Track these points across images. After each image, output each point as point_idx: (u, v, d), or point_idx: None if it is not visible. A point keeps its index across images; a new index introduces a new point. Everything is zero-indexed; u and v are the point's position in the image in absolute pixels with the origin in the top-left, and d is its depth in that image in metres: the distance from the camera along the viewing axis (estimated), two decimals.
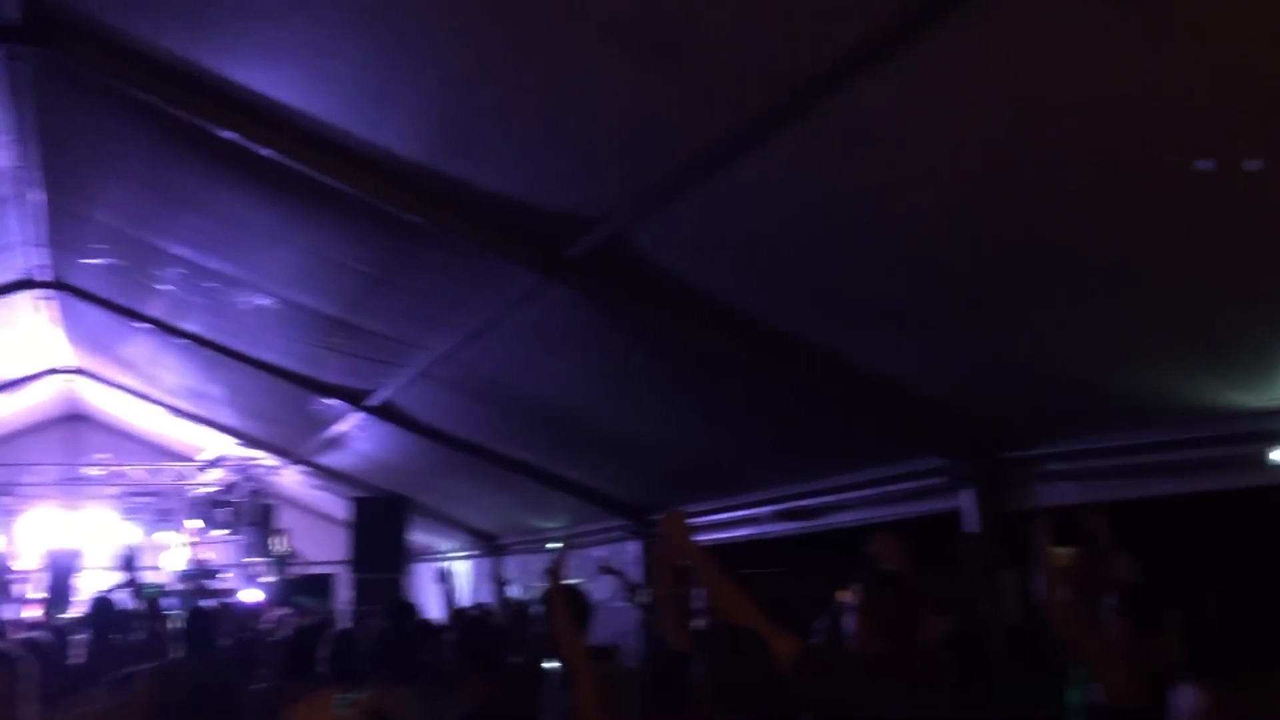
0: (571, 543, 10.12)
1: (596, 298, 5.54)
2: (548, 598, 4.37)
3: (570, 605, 3.73)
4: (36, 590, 10.81)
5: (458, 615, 8.58)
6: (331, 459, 12.16)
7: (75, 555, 11.64)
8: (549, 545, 10.62)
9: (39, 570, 11.53)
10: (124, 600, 6.86)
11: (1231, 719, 1.22)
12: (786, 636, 3.01)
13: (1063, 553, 4.46)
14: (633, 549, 9.21)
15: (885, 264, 4.34)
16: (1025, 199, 3.62)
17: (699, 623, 4.38)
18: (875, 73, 3.21)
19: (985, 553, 5.48)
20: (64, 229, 7.69)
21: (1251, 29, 2.64)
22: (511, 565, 12.14)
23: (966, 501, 5.75)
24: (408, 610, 7.08)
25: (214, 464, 14.20)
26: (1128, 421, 4.90)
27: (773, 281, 4.84)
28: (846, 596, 8.56)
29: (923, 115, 3.36)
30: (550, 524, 10.76)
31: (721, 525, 7.70)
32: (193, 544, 14.35)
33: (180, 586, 12.90)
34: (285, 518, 14.83)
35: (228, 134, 5.07)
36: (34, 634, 5.09)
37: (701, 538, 4.23)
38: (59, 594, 9.95)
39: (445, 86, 4.25)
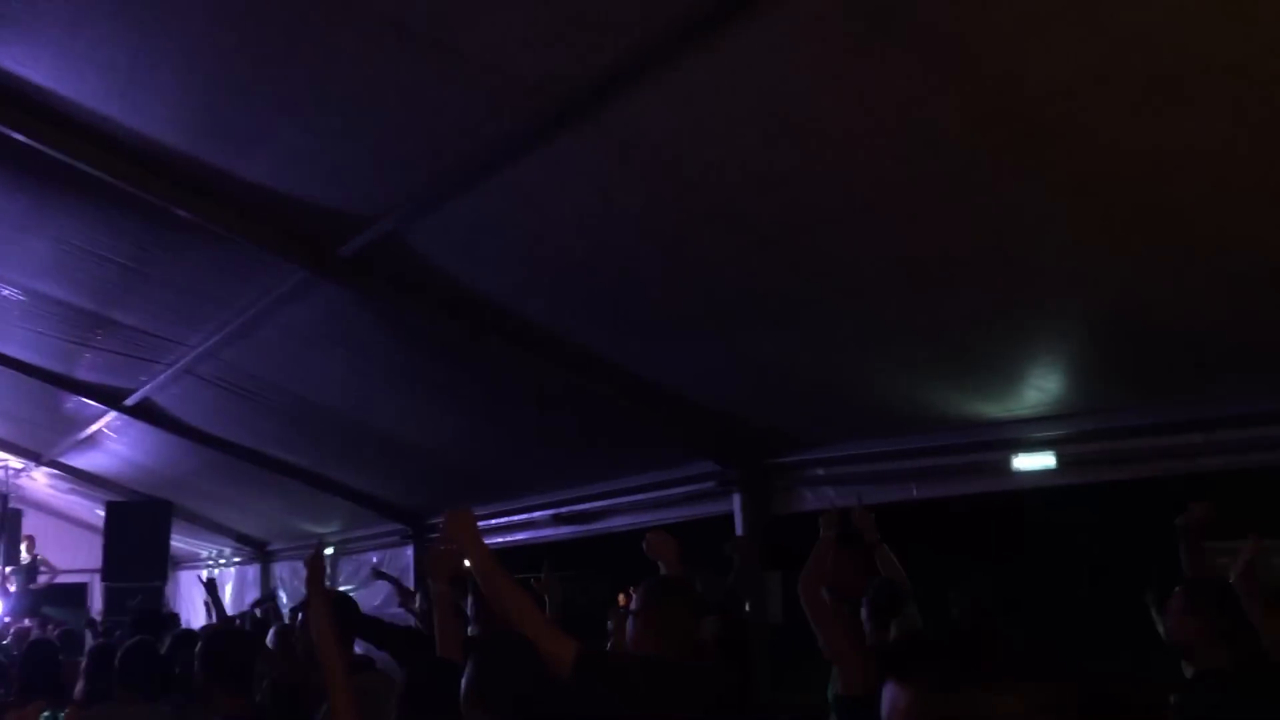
0: (345, 547, 9.89)
1: (369, 297, 5.41)
2: (305, 603, 4.22)
3: (332, 611, 3.60)
4: None
5: (224, 625, 8.23)
6: (86, 461, 11.42)
7: None
8: (327, 551, 10.32)
9: None
10: None
11: (930, 716, 1.28)
12: (566, 639, 2.98)
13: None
14: (408, 554, 9.05)
15: (656, 270, 4.41)
16: (790, 212, 3.75)
17: (470, 630, 4.34)
18: (648, 82, 3.25)
19: (752, 554, 5.65)
20: None
21: (995, 59, 2.80)
22: (282, 571, 11.72)
23: (737, 505, 5.92)
24: (161, 621, 6.73)
25: None
26: (884, 429, 5.16)
27: (547, 285, 4.85)
28: (622, 600, 8.70)
29: (692, 125, 3.43)
30: (323, 529, 10.45)
31: (499, 529, 7.66)
32: None
33: None
34: (33, 523, 13.87)
35: None
36: None
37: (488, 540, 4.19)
38: None
39: (206, 72, 4.04)
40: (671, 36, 3.02)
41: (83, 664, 4.92)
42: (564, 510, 7.26)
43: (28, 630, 11.61)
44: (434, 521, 8.70)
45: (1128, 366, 4.14)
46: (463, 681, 2.56)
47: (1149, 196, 3.12)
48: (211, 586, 8.33)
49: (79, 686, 4.54)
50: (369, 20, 3.42)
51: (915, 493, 5.26)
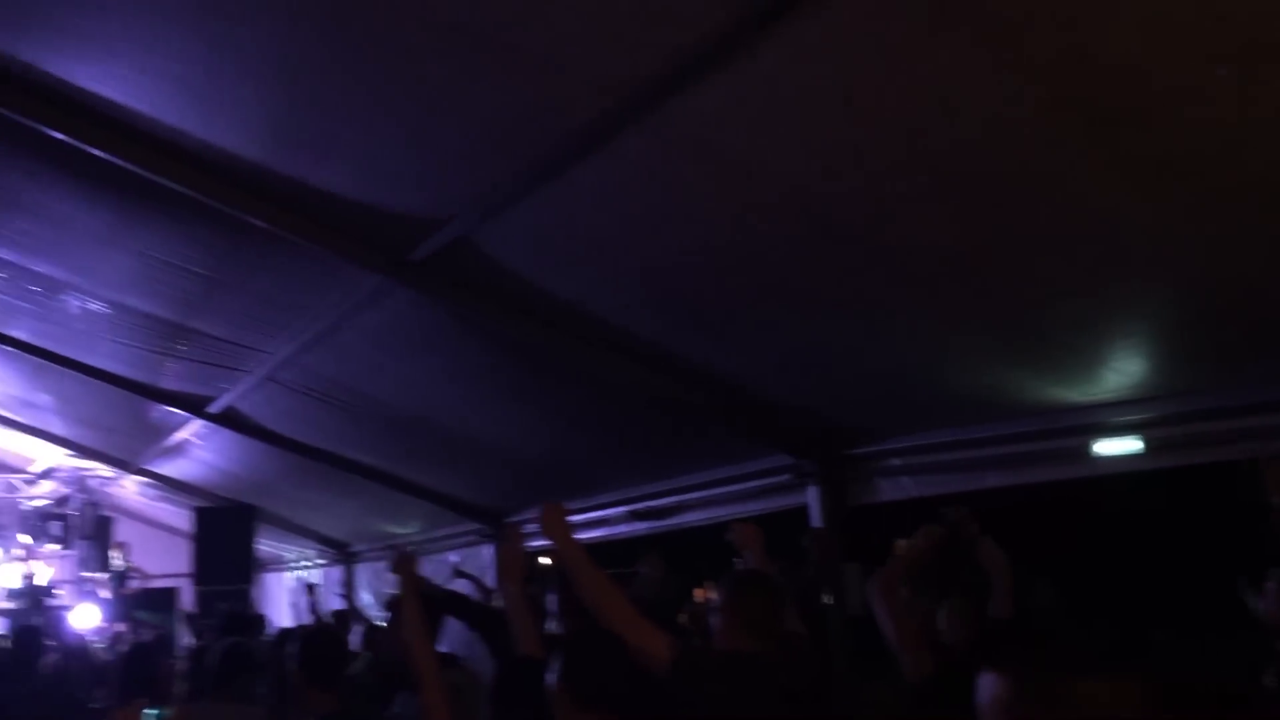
0: (425, 547, 10.01)
1: (442, 300, 5.48)
2: (397, 602, 4.29)
3: (421, 609, 3.65)
4: None
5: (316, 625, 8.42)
6: (172, 468, 11.72)
7: None
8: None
9: None
10: None
11: (1029, 705, 1.28)
12: (660, 634, 2.99)
13: (902, 543, 4.62)
14: (487, 553, 9.14)
15: (727, 265, 4.41)
16: (857, 201, 3.72)
17: (550, 626, 4.38)
18: (713, 76, 3.25)
19: (830, 546, 5.62)
20: None
21: (1068, 37, 2.76)
22: (364, 572, 11.91)
23: (813, 497, 5.90)
24: (249, 623, 6.90)
25: (45, 476, 13.56)
26: (960, 418, 5.10)
27: (617, 283, 4.87)
28: (699, 595, 8.70)
29: (757, 117, 3.42)
30: (403, 530, 10.60)
31: (574, 526, 7.69)
32: (24, 560, 13.67)
33: (12, 605, 12.29)
34: (124, 530, 14.25)
35: (53, 133, 4.83)
36: None
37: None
38: None
39: (281, 84, 4.13)
40: (735, 29, 3.02)
41: (179, 665, 5.08)
42: (639, 506, 7.28)
43: (122, 634, 11.97)
44: (512, 520, 8.78)
45: (1211, 347, 4.05)
46: (552, 677, 2.58)
47: (1230, 173, 3.05)
48: (312, 590, 8.64)
49: (177, 687, 4.68)
50: (435, 25, 3.46)
51: (993, 481, 5.20)
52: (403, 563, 3.89)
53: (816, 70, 3.14)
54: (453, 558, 9.58)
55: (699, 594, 8.40)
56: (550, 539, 3.40)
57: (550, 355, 5.77)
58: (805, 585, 5.02)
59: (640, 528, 7.47)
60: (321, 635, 4.23)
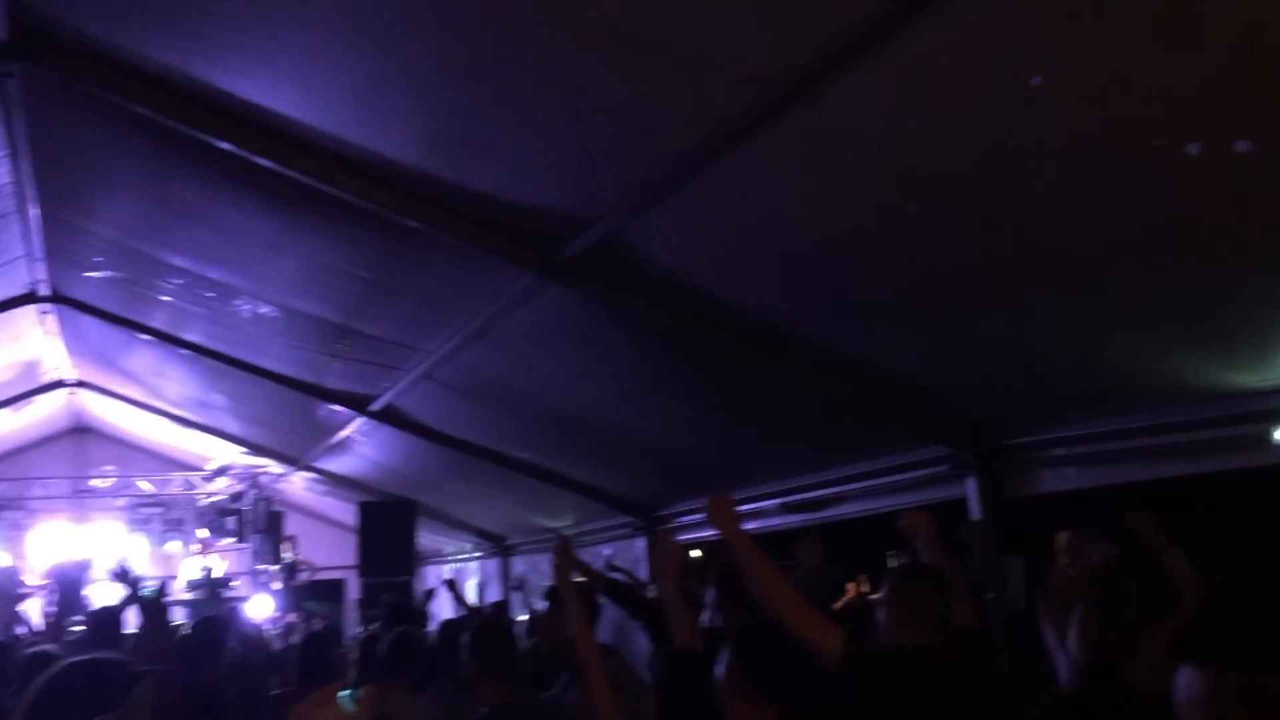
0: (578, 540, 10.15)
1: (594, 297, 5.54)
2: (556, 592, 4.35)
3: (582, 596, 3.71)
4: (46, 604, 10.82)
5: (470, 616, 8.64)
6: (337, 464, 12.18)
7: (83, 568, 11.68)
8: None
9: (47, 584, 11.56)
10: (127, 611, 6.86)
11: (1231, 702, 1.22)
12: (833, 626, 2.97)
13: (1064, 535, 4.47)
14: (639, 546, 9.23)
15: (878, 255, 4.34)
16: (1017, 186, 3.62)
17: (706, 619, 4.39)
18: (862, 64, 3.20)
19: (990, 539, 5.48)
20: (61, 242, 7.70)
21: (1245, 13, 2.63)
22: (520, 565, 12.15)
23: (971, 489, 5.76)
24: (414, 614, 7.12)
25: (220, 473, 14.23)
26: (1126, 406, 4.90)
27: (768, 275, 4.85)
28: (851, 589, 8.56)
29: (910, 106, 3.36)
30: (557, 523, 10.78)
31: (741, 517, 7.68)
32: (202, 553, 14.41)
33: (191, 596, 12.94)
34: (293, 524, 14.86)
35: (223, 144, 5.08)
36: (45, 648, 5.10)
37: (707, 533, 4.24)
38: (67, 608, 9.97)
39: (436, 90, 4.25)
40: (887, 12, 2.98)
41: (349, 654, 5.28)
42: (792, 499, 7.23)
43: (293, 624, 12.49)
44: (665, 513, 8.85)
45: None
46: (720, 669, 2.58)
47: None
48: (452, 585, 8.90)
49: (349, 675, 4.88)
50: (588, 25, 3.51)
51: (1165, 470, 4.97)
52: (564, 551, 3.95)
53: (970, 53, 3.07)
54: (606, 550, 9.69)
55: (850, 588, 8.31)
56: (718, 530, 3.40)
57: (700, 349, 5.79)
58: (967, 580, 4.90)
59: (793, 520, 7.42)
60: (492, 627, 4.34)
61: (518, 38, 3.72)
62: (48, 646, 5.22)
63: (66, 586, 10.96)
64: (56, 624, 8.15)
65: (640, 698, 4.08)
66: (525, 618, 7.93)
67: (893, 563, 6.04)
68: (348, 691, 1.51)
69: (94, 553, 12.66)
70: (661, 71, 3.61)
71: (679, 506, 8.65)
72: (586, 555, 10.24)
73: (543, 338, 6.40)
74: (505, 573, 12.40)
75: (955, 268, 4.26)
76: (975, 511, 5.69)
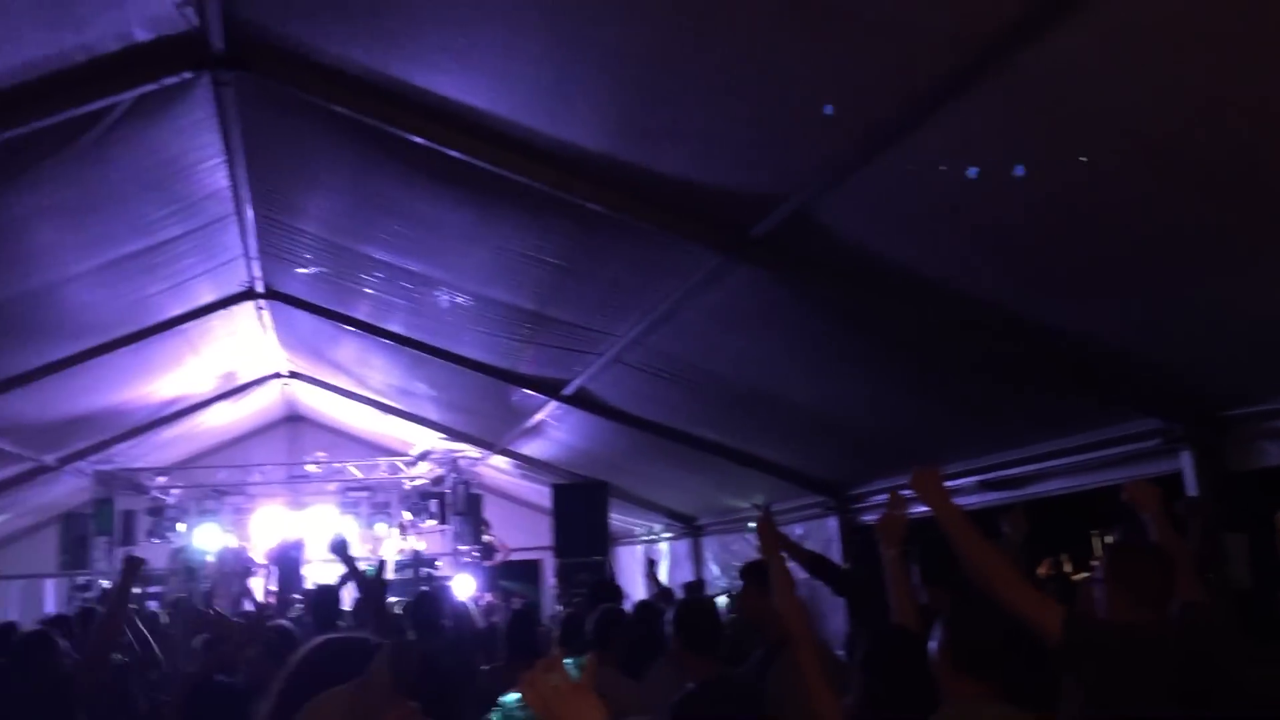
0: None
1: (782, 275, 5.52)
2: (754, 568, 4.34)
3: (787, 570, 3.69)
4: (268, 583, 11.51)
5: (664, 595, 8.77)
6: (531, 448, 12.50)
7: (300, 547, 12.37)
8: (749, 525, 10.66)
9: (269, 564, 12.28)
10: (345, 588, 7.24)
11: None
12: (1052, 604, 2.88)
13: None
14: (831, 525, 9.14)
15: (1081, 222, 4.16)
16: (1232, 146, 3.41)
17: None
18: (1064, 24, 3.08)
19: (1209, 516, 5.20)
20: (273, 241, 8.16)
21: None
22: (711, 545, 12.21)
23: (1187, 463, 5.47)
24: (614, 592, 7.24)
25: (422, 458, 14.80)
26: None
27: (963, 248, 4.72)
28: (1043, 570, 8.20)
29: (1117, 66, 3.21)
30: (747, 503, 10.78)
31: (950, 491, 7.51)
32: (407, 535, 15.03)
33: (399, 576, 13.51)
34: (490, 506, 15.32)
35: (420, 140, 5.29)
36: (281, 623, 5.46)
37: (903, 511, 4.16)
38: (287, 585, 10.60)
39: (624, 76, 4.31)
40: None
41: (550, 631, 5.43)
42: (990, 476, 7.02)
43: (492, 604, 12.90)
44: (857, 492, 8.74)
45: None
46: (934, 645, 2.54)
47: None
48: (651, 566, 9.06)
49: (552, 650, 5.02)
50: (776, 1, 3.49)
51: None
52: (766, 525, 3.94)
53: (1178, 8, 2.90)
54: (798, 530, 9.65)
55: (1042, 570, 8.01)
56: (926, 504, 3.33)
57: (891, 324, 5.69)
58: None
59: (991, 498, 7.20)
60: (697, 606, 4.38)
61: (704, 17, 3.74)
62: (283, 622, 5.57)
63: (285, 565, 11.62)
64: (280, 601, 8.66)
65: (836, 677, 4.05)
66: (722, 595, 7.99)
67: (1106, 540, 5.79)
68: (571, 660, 1.56)
69: (308, 533, 13.37)
70: (850, 41, 3.56)
71: (872, 485, 8.53)
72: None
73: (731, 318, 6.41)
74: (696, 553, 12.49)
75: (1169, 232, 4.05)
76: (1191, 487, 5.41)
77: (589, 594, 7.11)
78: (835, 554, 8.96)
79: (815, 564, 5.17)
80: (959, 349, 5.63)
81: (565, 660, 1.78)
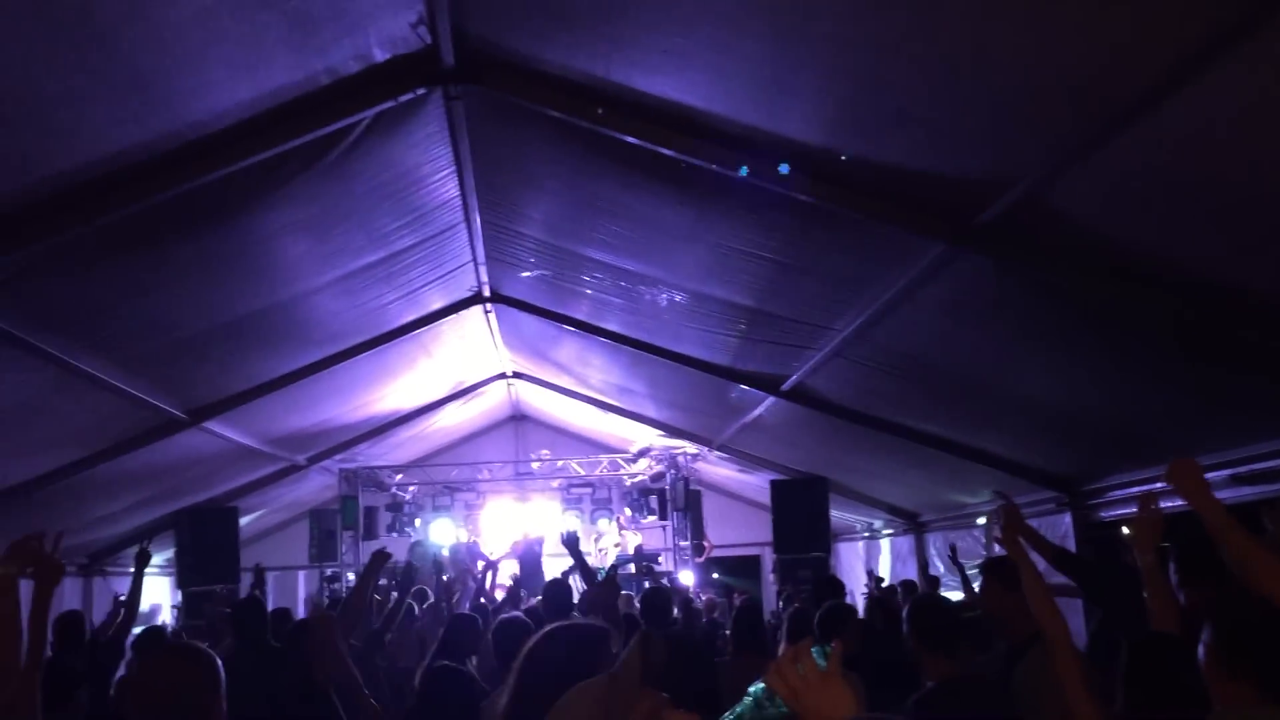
0: (996, 516, 9.80)
1: (1011, 263, 5.32)
2: (995, 564, 4.22)
3: (1034, 566, 3.57)
4: (505, 576, 11.97)
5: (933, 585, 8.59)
6: (749, 443, 12.52)
7: (540, 542, 12.84)
8: (979, 520, 10.36)
9: (507, 557, 12.75)
10: (573, 578, 7.44)
11: None
12: None
13: None
14: (1065, 522, 8.76)
15: None
16: None
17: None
18: None
19: None
20: (498, 246, 8.48)
21: None
22: (935, 541, 11.93)
23: None
24: (836, 588, 7.19)
25: (642, 454, 15.06)
26: None
27: (1214, 229, 4.42)
28: None
29: None
30: (973, 499, 10.48)
31: (1163, 493, 7.11)
32: (628, 531, 15.34)
33: (623, 571, 13.81)
34: (708, 502, 15.44)
35: (639, 141, 5.39)
36: (514, 614, 5.68)
37: (1132, 510, 3.91)
38: (528, 580, 10.99)
39: (845, 67, 4.27)
40: None
41: (783, 625, 5.42)
42: (1245, 469, 6.56)
43: (712, 599, 13.01)
44: (1092, 487, 8.35)
45: None
46: (1203, 648, 2.41)
47: None
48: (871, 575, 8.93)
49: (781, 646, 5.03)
50: None
51: None
52: (1011, 518, 3.81)
53: None
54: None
55: None
56: (1185, 498, 3.13)
57: (1132, 311, 5.39)
58: None
59: (1245, 493, 6.73)
60: (932, 605, 4.30)
61: (931, 3, 3.65)
62: (516, 614, 5.79)
63: (528, 561, 12.07)
64: (514, 593, 8.98)
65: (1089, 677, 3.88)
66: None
67: None
68: (817, 648, 1.56)
69: (547, 530, 13.85)
70: (1088, 15, 3.40)
71: (1108, 480, 8.12)
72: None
73: (955, 308, 6.23)
74: (919, 550, 12.22)
75: None
76: None
77: (814, 589, 7.07)
78: (1070, 550, 8.60)
79: (1061, 558, 4.95)
80: (1207, 337, 5.29)
81: (812, 649, 1.78)
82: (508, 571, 11.29)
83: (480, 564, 9.93)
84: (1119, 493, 7.96)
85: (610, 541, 15.05)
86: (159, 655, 2.84)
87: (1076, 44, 3.57)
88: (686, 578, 13.10)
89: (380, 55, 5.11)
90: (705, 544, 14.95)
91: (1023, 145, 4.35)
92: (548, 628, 2.79)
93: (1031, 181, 4.50)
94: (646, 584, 11.58)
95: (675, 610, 6.42)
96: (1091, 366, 6.39)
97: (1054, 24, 3.53)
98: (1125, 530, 7.67)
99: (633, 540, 14.81)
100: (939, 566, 11.62)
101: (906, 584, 11.15)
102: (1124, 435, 7.26)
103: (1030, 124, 4.19)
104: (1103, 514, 8.33)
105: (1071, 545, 8.56)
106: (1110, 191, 4.45)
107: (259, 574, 6.75)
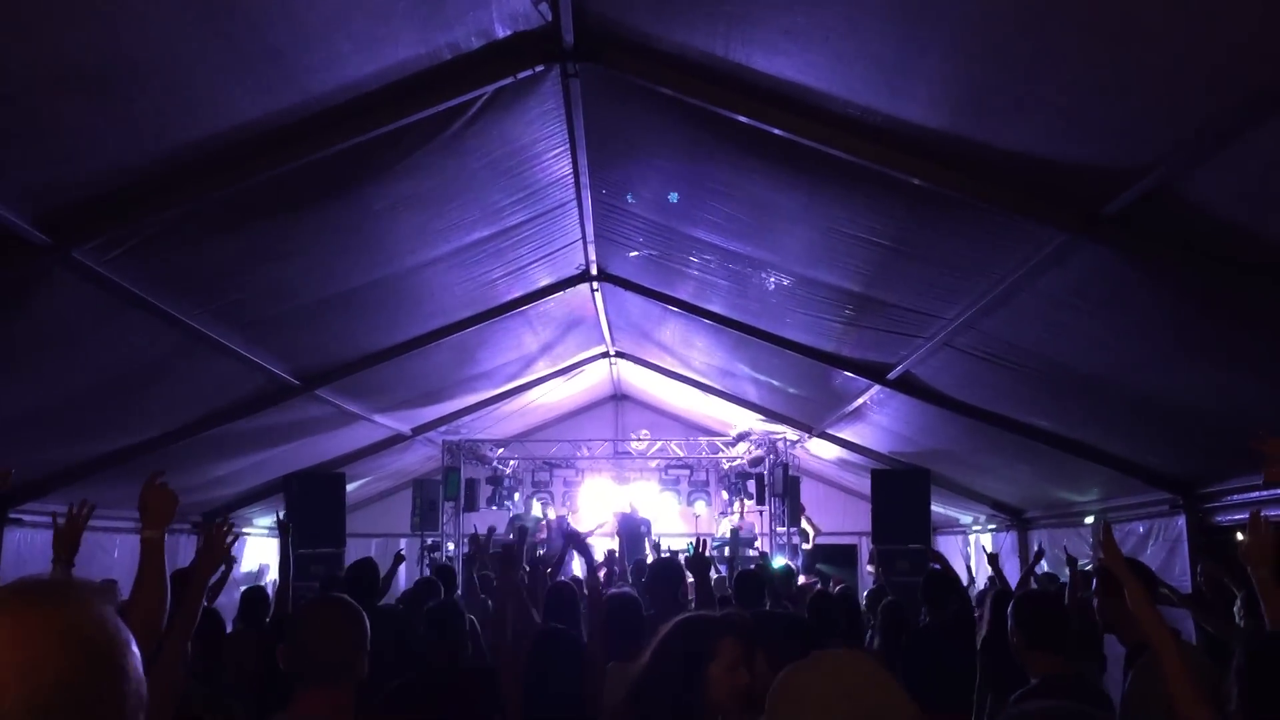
0: (1106, 516, 9.58)
1: (1135, 255, 5.17)
2: (1106, 570, 4.13)
3: (1138, 576, 3.49)
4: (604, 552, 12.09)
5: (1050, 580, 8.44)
6: (851, 432, 12.41)
7: (645, 521, 12.92)
8: (1086, 520, 10.12)
9: (608, 533, 12.87)
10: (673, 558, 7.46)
11: None
12: None
13: None
14: (1179, 524, 8.50)
15: None
16: None
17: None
18: None
19: None
20: (608, 224, 8.52)
21: None
22: (1040, 539, 11.69)
23: None
24: (946, 582, 7.07)
25: (741, 438, 15.03)
26: None
27: None
28: None
29: None
30: (1080, 497, 10.24)
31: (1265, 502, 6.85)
32: (726, 514, 15.34)
33: (719, 553, 13.84)
34: (807, 489, 15.35)
35: (754, 122, 5.35)
36: (623, 589, 5.75)
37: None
38: (629, 554, 11.08)
39: (971, 50, 4.18)
40: None
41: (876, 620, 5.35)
42: None
43: (810, 585, 12.94)
44: (1209, 490, 8.09)
45: None
46: None
47: None
48: (993, 559, 8.80)
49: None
50: None
51: None
52: (1109, 529, 3.73)
53: None
54: (1140, 528, 9.08)
55: None
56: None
57: (1261, 308, 5.20)
58: None
59: None
60: (1036, 599, 4.22)
61: None
62: (627, 589, 5.85)
63: (631, 535, 12.15)
64: (610, 569, 9.04)
65: (1206, 679, 3.77)
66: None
67: None
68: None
69: (652, 512, 13.92)
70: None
71: (1228, 484, 7.86)
72: (1119, 531, 9.68)
73: (1074, 300, 6.07)
74: (1023, 546, 11.99)
75: None
76: None
77: (924, 585, 6.98)
78: (1182, 555, 8.36)
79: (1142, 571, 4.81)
80: None
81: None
82: (602, 548, 11.36)
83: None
84: (1237, 497, 7.70)
85: (724, 525, 15.05)
86: (328, 607, 3.00)
87: (1222, 23, 3.45)
88: (780, 563, 13.04)
89: (502, 31, 5.16)
90: (811, 528, 14.89)
91: (1157, 134, 4.20)
92: (680, 618, 2.87)
93: (1167, 170, 4.35)
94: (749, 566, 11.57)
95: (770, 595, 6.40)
96: (1216, 365, 6.19)
97: (1199, 8, 3.41)
98: (1239, 537, 7.42)
99: (737, 524, 14.78)
100: (1043, 563, 11.36)
101: (1049, 576, 10.86)
102: (1244, 438, 6.99)
103: (1165, 112, 4.05)
104: (1219, 518, 8.06)
105: (1184, 549, 8.32)
106: (1248, 183, 4.29)
107: (284, 529, 6.97)
